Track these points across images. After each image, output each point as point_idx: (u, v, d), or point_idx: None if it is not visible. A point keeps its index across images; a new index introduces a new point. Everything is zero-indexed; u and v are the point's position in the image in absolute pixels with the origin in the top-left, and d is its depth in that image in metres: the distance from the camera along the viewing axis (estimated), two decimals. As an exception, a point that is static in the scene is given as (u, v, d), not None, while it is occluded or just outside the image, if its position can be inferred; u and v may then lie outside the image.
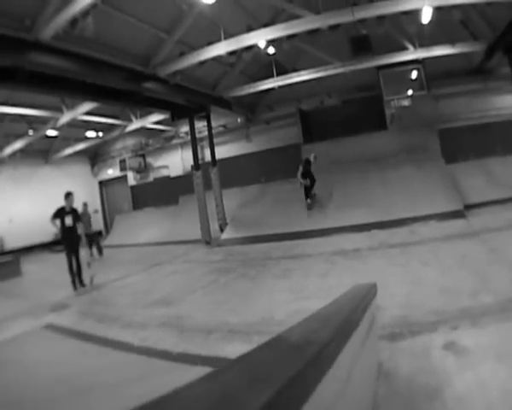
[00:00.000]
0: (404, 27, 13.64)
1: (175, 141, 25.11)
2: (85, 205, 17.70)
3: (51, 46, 10.20)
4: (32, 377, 5.05)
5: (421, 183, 14.35)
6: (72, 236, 11.01)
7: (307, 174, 15.75)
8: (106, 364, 5.14)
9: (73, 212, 11.14)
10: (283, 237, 13.86)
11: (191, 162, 17.68)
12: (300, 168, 15.76)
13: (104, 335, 6.43)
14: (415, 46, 14.71)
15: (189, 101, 16.46)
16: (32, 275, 15.11)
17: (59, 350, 6.13)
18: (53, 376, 4.94)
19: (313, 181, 15.86)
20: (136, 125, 21.57)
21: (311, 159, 15.99)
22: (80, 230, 11.18)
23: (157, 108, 17.06)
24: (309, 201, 15.80)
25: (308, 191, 15.83)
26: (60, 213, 11.00)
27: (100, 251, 17.33)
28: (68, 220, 10.96)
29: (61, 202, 11.13)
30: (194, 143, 17.23)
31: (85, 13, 9.09)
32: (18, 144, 20.96)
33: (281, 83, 17.08)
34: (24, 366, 5.47)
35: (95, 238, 17.50)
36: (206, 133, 19.43)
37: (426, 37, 14.00)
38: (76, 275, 11.05)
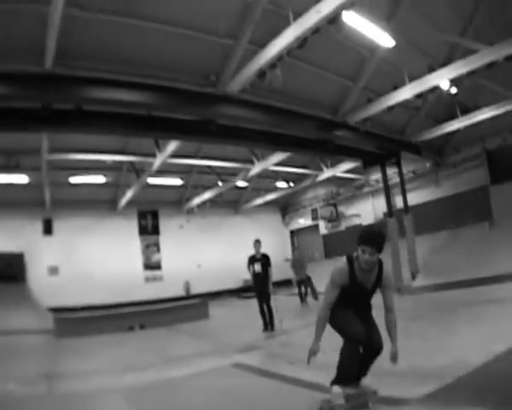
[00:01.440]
0: None
1: (366, 189, 25.09)
2: (297, 249, 18.26)
3: (239, 99, 11.23)
4: (224, 407, 5.33)
5: None
6: (260, 281, 11.42)
7: None
8: (300, 403, 5.15)
9: (263, 258, 11.57)
10: (474, 282, 13.41)
11: (382, 210, 17.62)
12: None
13: (297, 376, 6.42)
14: None
15: (380, 147, 16.49)
16: (219, 318, 16.00)
17: (250, 387, 6.25)
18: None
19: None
20: (327, 174, 22.21)
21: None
22: (270, 275, 11.45)
23: (348, 155, 17.41)
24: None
25: None
26: (250, 261, 11.72)
27: (314, 295, 16.88)
28: (257, 267, 11.48)
29: (250, 251, 11.82)
30: (387, 190, 17.32)
31: (272, 65, 9.64)
32: (207, 195, 22.92)
33: (466, 123, 16.15)
34: (214, 397, 5.75)
35: (307, 283, 17.19)
36: (394, 180, 19.28)
37: None
38: (267, 319, 11.39)
